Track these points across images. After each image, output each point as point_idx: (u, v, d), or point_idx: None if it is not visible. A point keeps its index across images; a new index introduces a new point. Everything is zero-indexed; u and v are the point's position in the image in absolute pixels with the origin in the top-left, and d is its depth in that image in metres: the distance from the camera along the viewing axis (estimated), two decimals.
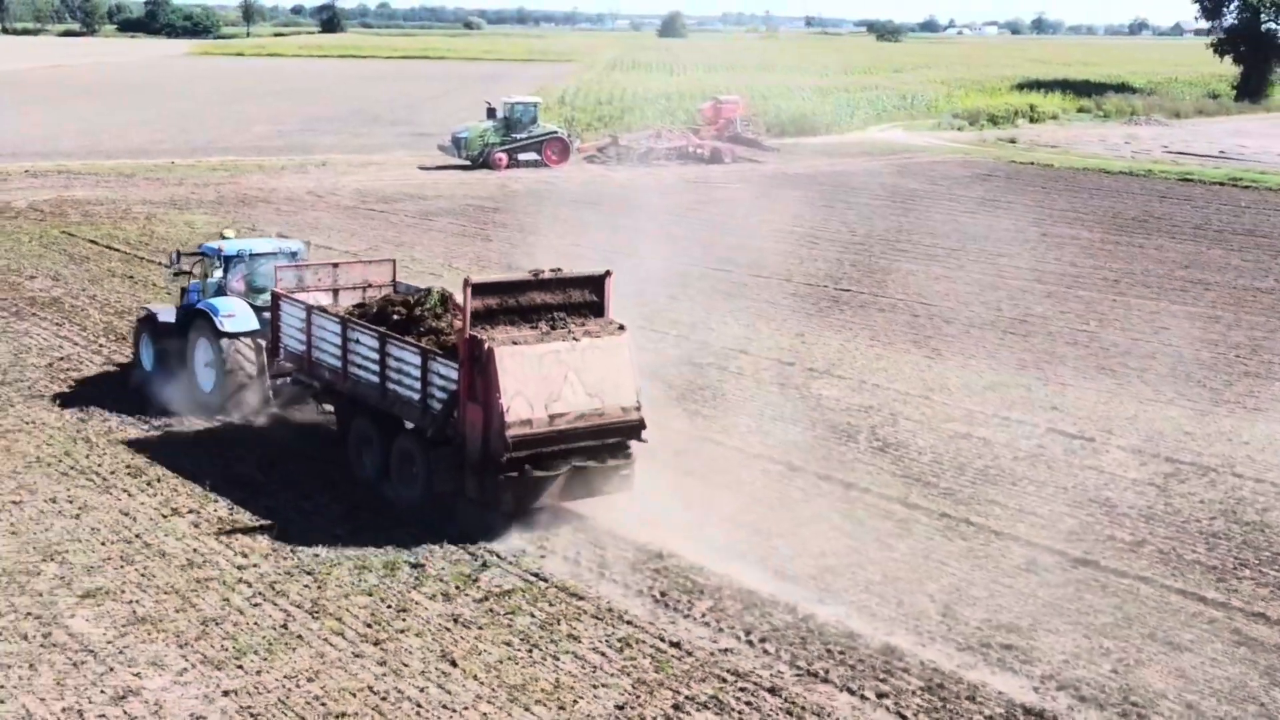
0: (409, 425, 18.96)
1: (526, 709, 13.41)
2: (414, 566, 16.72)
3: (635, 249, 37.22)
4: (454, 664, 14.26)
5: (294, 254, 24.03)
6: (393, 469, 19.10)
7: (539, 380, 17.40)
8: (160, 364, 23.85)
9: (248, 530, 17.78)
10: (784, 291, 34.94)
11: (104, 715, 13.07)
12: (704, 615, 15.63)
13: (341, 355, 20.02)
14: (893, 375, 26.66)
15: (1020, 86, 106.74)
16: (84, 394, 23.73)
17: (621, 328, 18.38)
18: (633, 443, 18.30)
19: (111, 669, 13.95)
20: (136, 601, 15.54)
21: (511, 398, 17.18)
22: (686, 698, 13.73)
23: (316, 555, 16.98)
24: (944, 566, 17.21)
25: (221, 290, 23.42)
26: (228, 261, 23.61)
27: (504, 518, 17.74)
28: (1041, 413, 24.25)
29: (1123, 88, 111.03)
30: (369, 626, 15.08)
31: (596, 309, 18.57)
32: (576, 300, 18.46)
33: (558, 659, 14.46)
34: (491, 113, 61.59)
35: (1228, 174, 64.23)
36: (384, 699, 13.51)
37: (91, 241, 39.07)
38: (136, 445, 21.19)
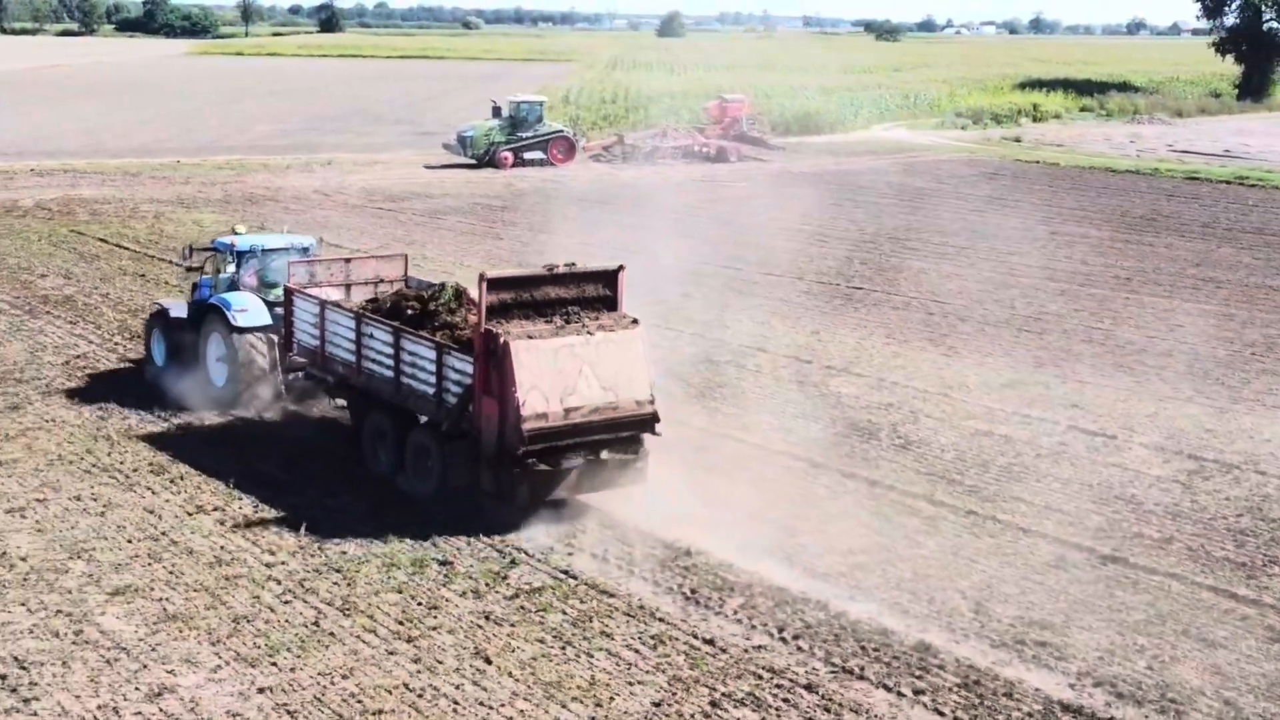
0: (423, 419, 19.00)
1: (564, 706, 13.35)
2: (442, 564, 16.65)
3: (645, 247, 37.07)
4: (488, 661, 14.19)
5: (306, 249, 24.01)
6: (408, 463, 19.15)
7: (554, 374, 17.47)
8: (172, 359, 23.85)
9: (274, 527, 17.71)
10: (796, 289, 34.90)
11: (140, 713, 13.00)
12: (736, 612, 15.58)
13: (356, 350, 20.06)
14: (910, 373, 26.60)
15: (1022, 86, 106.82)
16: (102, 391, 23.66)
17: (635, 321, 18.49)
18: (651, 437, 18.35)
19: (145, 666, 13.88)
20: (166, 599, 15.47)
21: (527, 391, 17.24)
22: (723, 695, 13.68)
23: (344, 553, 16.92)
24: (974, 563, 17.16)
25: (234, 285, 23.40)
26: (240, 256, 23.59)
27: (519, 511, 17.75)
28: (1061, 410, 24.20)
29: (1124, 87, 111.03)
30: (401, 624, 15.02)
31: (610, 303, 18.68)
32: (590, 295, 18.56)
33: (591, 656, 14.40)
34: (497, 111, 61.48)
35: (1234, 172, 64.23)
36: (420, 696, 13.44)
37: (101, 240, 38.99)
38: (157, 442, 21.12)
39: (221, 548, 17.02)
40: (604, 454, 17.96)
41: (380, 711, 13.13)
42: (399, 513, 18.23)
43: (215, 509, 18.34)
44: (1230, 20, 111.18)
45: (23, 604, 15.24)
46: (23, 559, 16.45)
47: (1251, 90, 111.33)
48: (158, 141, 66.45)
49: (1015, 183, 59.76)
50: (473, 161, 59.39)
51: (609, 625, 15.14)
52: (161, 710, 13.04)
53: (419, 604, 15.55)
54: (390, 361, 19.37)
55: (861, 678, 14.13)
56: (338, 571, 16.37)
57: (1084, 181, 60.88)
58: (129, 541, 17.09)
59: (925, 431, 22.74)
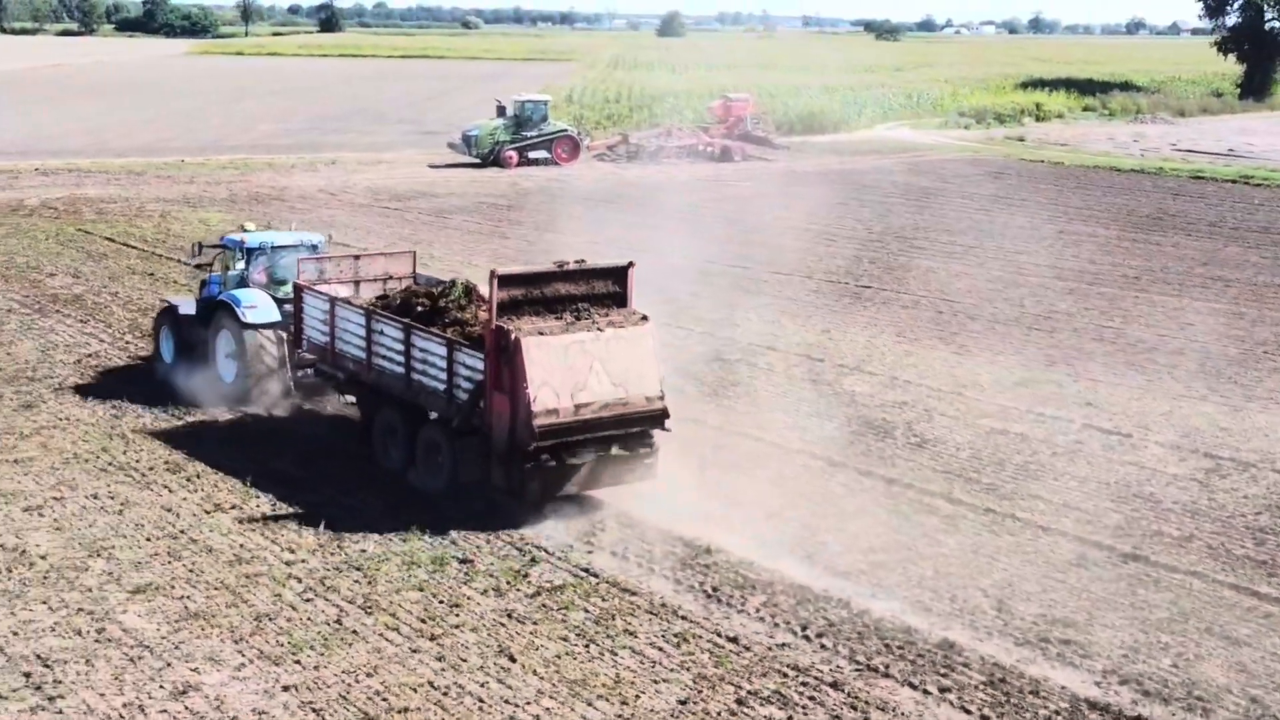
0: (434, 415, 18.99)
1: (589, 704, 13.31)
2: (462, 562, 16.61)
3: (652, 246, 36.97)
4: (512, 659, 14.15)
5: (315, 247, 23.99)
6: (418, 459, 19.16)
7: (565, 370, 17.50)
8: (180, 356, 23.84)
9: (292, 525, 17.67)
10: (805, 288, 34.86)
11: (165, 711, 12.96)
12: (758, 610, 15.53)
13: (366, 347, 20.09)
14: (923, 371, 26.56)
15: (1024, 85, 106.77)
16: (114, 389, 23.60)
17: (645, 318, 18.54)
18: (661, 434, 18.37)
19: (169, 664, 13.84)
20: (187, 597, 15.43)
21: (538, 387, 17.27)
22: (749, 692, 13.64)
23: (363, 551, 16.88)
24: (994, 561, 17.13)
25: (243, 282, 23.38)
26: (249, 254, 23.57)
27: (533, 507, 17.76)
28: (1075, 408, 24.16)
29: (1126, 86, 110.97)
30: (423, 622, 14.97)
31: (620, 300, 18.72)
32: (600, 291, 18.61)
33: (615, 654, 14.36)
34: (502, 111, 61.45)
35: (1238, 171, 64.22)
36: (445, 694, 13.40)
37: (108, 239, 38.94)
38: (172, 441, 21.07)
39: (241, 546, 16.98)
40: (614, 450, 18.04)
41: (406, 709, 13.09)
42: (416, 510, 18.19)
43: (233, 507, 18.30)
44: (1232, 19, 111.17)
45: (44, 602, 15.20)
46: (42, 557, 16.41)
47: (1254, 90, 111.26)
48: (161, 141, 66.38)
49: (1021, 182, 59.72)
50: (477, 161, 59.36)
51: (632, 623, 15.10)
52: (187, 708, 13.00)
53: (440, 602, 15.51)
54: (401, 358, 19.38)
55: (887, 675, 14.09)
56: (358, 569, 16.33)
57: (1089, 181, 60.85)
58: (148, 540, 17.05)
59: (940, 430, 22.70)
